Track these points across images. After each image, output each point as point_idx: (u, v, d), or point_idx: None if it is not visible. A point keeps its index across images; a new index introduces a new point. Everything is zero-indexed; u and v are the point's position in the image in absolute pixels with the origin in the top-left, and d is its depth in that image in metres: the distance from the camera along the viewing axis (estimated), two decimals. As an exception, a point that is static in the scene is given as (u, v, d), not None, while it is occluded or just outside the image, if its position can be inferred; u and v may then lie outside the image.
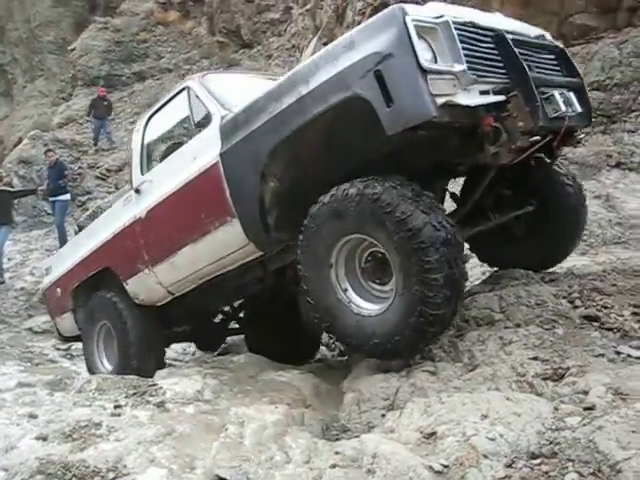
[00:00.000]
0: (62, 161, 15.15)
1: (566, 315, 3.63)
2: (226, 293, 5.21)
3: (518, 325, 3.56)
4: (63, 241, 13.43)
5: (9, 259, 13.73)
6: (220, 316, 6.45)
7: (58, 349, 9.41)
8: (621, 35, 9.20)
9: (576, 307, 3.73)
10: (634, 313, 3.61)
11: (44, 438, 2.91)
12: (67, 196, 14.01)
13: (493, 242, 4.65)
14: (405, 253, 3.23)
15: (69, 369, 8.09)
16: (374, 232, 3.40)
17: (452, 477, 2.26)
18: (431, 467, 2.31)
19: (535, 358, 3.14)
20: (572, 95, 3.90)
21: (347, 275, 3.67)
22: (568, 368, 2.98)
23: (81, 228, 13.30)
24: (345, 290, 3.65)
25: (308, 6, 15.39)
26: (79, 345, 9.31)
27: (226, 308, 6.29)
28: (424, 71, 3.15)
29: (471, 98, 3.31)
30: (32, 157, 17.64)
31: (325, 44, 13.37)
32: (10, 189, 13.78)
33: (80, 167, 18.02)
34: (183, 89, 4.83)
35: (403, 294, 3.30)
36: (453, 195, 4.64)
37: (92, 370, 5.84)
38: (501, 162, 3.66)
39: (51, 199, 13.79)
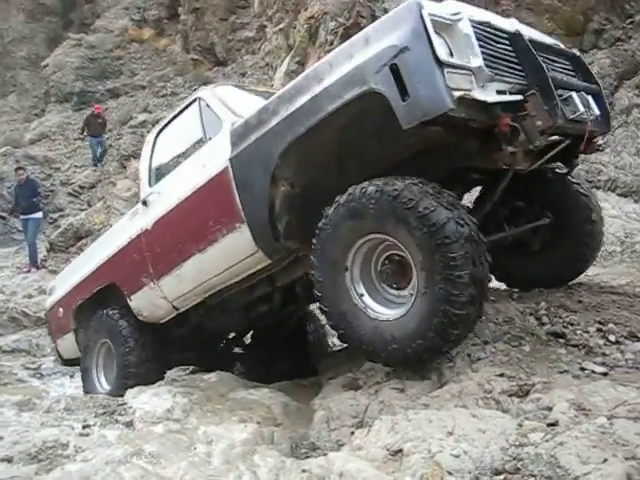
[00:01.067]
0: (33, 178, 15.02)
1: (533, 332, 3.68)
2: (233, 313, 5.12)
3: (486, 342, 3.59)
4: (34, 259, 13.32)
5: (-22, 277, 13.53)
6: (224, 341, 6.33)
7: (27, 368, 9.26)
8: (587, 57, 9.39)
9: (543, 324, 3.78)
10: (599, 329, 3.69)
11: (9, 460, 2.87)
12: (40, 214, 13.88)
13: (509, 260, 4.48)
14: (428, 250, 3.12)
15: (38, 389, 7.96)
16: (394, 230, 3.28)
17: (417, 494, 2.28)
18: (397, 484, 2.33)
19: (502, 375, 3.16)
20: (590, 99, 3.83)
21: (363, 279, 3.55)
22: (533, 384, 3.01)
23: (53, 245, 13.22)
24: (361, 295, 3.53)
25: (282, 25, 15.52)
26: (49, 364, 9.24)
27: (230, 335, 6.20)
28: (441, 64, 3.11)
29: (488, 95, 3.27)
30: (3, 173, 17.47)
31: (298, 63, 13.52)
32: None
33: (52, 184, 17.88)
34: (194, 100, 4.82)
35: (425, 293, 3.18)
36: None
37: (88, 391, 5.73)
38: (518, 166, 3.60)
39: (23, 217, 13.63)
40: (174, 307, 5.06)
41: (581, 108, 3.55)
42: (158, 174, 5.19)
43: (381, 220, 3.32)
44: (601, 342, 3.55)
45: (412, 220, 3.16)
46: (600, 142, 4.19)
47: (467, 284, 3.09)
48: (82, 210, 15.97)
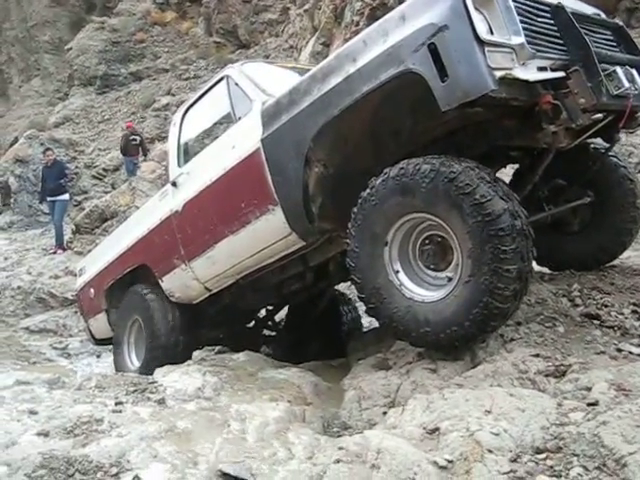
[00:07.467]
0: (60, 160, 15.11)
1: (566, 313, 3.62)
2: (265, 291, 5.11)
3: (519, 323, 3.54)
4: (60, 241, 13.44)
5: (5, 258, 13.73)
6: (253, 321, 6.34)
7: (55, 348, 9.42)
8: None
9: (576, 305, 3.72)
10: (634, 311, 3.63)
11: (45, 434, 2.88)
12: (66, 196, 13.99)
13: (548, 240, 4.31)
14: (479, 239, 3.02)
15: (66, 368, 8.09)
16: (445, 214, 3.16)
17: (457, 472, 2.26)
18: (435, 462, 2.30)
19: (537, 355, 3.12)
20: (634, 72, 3.63)
21: (401, 256, 3.45)
22: (570, 365, 2.98)
23: (78, 227, 13.34)
24: (397, 272, 3.43)
25: (306, 6, 15.42)
26: (76, 344, 9.38)
27: (261, 313, 6.22)
28: (481, 43, 2.98)
29: (529, 73, 3.14)
30: (28, 156, 17.65)
31: (323, 44, 13.42)
32: None
33: (77, 167, 18.02)
34: (222, 78, 4.74)
35: (469, 282, 3.09)
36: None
37: (119, 367, 5.80)
38: (560, 144, 3.49)
39: (50, 199, 13.70)
40: (206, 288, 5.02)
41: (626, 83, 3.38)
42: (187, 154, 5.14)
43: (433, 201, 3.20)
44: (637, 324, 3.50)
45: (467, 206, 3.05)
46: None
47: (513, 279, 3.02)
48: (106, 192, 16.07)
